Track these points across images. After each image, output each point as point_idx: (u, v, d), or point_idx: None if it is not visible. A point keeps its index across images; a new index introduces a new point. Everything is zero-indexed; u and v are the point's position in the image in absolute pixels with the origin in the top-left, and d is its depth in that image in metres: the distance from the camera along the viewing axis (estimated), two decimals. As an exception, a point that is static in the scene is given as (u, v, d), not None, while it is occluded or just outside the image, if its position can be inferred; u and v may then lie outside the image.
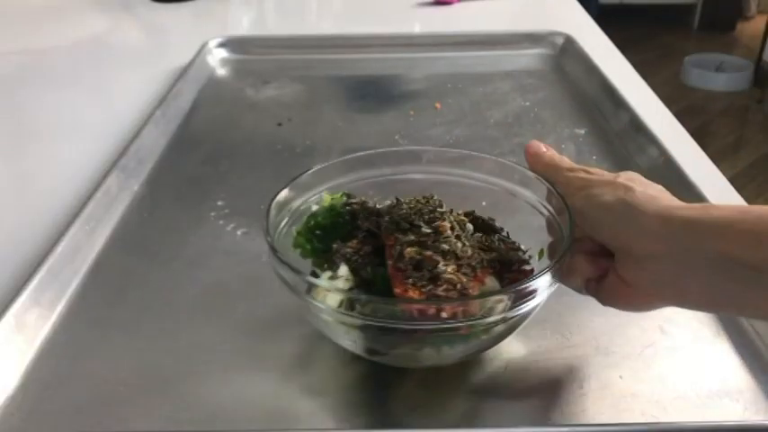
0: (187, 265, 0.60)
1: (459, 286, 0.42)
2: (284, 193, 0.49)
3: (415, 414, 0.45)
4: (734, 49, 3.43)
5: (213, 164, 0.77)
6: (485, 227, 0.50)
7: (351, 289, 0.45)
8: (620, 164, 0.74)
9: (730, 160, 2.48)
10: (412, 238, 0.45)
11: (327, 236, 0.49)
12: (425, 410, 0.45)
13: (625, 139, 0.79)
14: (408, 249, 0.44)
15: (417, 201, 0.48)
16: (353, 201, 0.50)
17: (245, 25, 1.35)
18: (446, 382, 0.46)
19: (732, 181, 0.70)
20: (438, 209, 0.47)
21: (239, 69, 1.05)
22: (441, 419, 0.44)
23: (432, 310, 0.40)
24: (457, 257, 0.44)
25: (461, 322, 0.40)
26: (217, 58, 1.07)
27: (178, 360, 0.49)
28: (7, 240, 0.64)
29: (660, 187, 0.42)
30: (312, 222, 0.49)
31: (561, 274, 0.43)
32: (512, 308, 0.41)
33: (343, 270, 0.46)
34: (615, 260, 0.41)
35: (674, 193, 0.41)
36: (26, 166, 0.80)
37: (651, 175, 0.71)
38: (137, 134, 0.76)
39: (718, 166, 0.72)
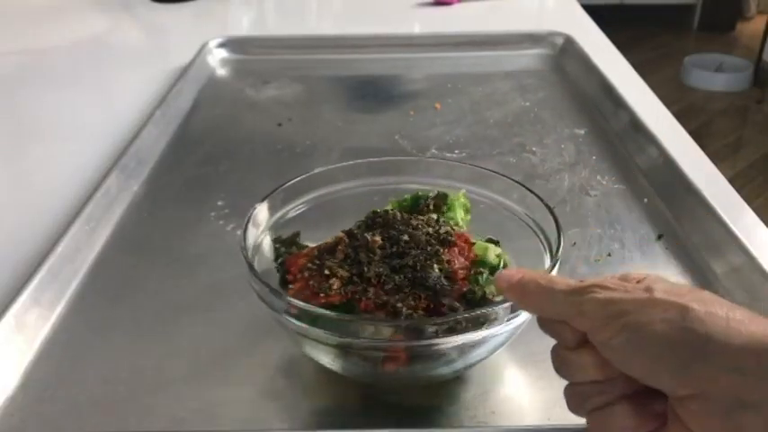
0: (187, 265, 0.60)
1: (320, 286, 0.43)
2: (263, 207, 0.50)
3: (413, 414, 0.45)
4: (734, 50, 3.43)
5: (213, 164, 0.77)
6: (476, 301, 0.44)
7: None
8: (620, 164, 0.74)
9: (730, 160, 2.48)
10: (355, 232, 0.46)
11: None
12: (425, 411, 0.45)
13: (625, 139, 0.79)
14: (338, 240, 0.46)
15: (410, 215, 0.48)
16: (432, 197, 0.51)
17: (245, 25, 1.35)
18: (446, 382, 0.46)
19: (732, 181, 0.70)
20: (407, 232, 0.45)
21: (239, 69, 1.05)
22: (439, 420, 0.44)
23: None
24: (362, 274, 0.43)
25: (290, 314, 0.41)
26: (217, 58, 1.07)
27: (178, 360, 0.49)
28: (7, 240, 0.64)
29: (714, 296, 0.32)
30: (406, 198, 0.52)
31: (596, 428, 0.34)
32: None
33: None
34: (677, 407, 0.30)
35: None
36: (26, 166, 0.80)
37: (651, 175, 0.72)
38: (137, 134, 0.76)
39: (717, 166, 0.72)
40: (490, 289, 0.44)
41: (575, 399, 0.34)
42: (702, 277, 0.56)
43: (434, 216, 0.49)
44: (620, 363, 0.31)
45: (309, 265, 0.45)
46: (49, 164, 0.79)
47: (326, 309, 0.41)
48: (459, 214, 0.50)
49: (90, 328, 0.53)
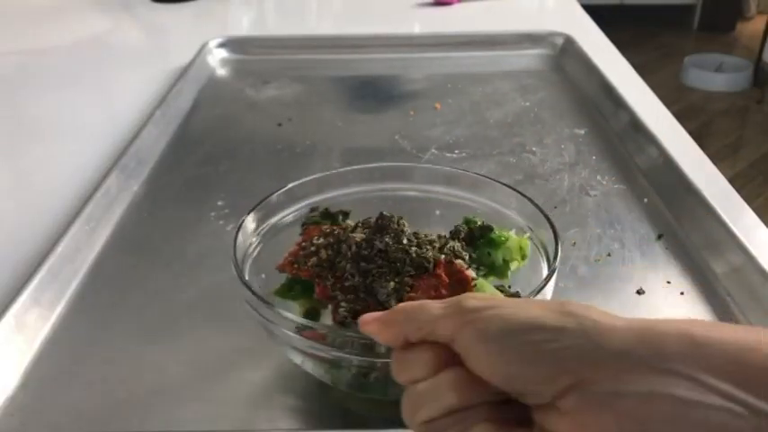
0: (187, 265, 0.60)
1: (301, 258, 0.45)
2: (252, 217, 0.49)
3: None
4: (734, 50, 3.43)
5: (213, 164, 0.77)
6: None
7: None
8: (620, 164, 0.74)
9: (730, 160, 2.48)
10: (359, 224, 0.47)
11: None
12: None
13: (625, 139, 0.79)
14: (345, 226, 0.48)
15: (401, 229, 0.46)
16: (468, 226, 0.48)
17: (245, 25, 1.35)
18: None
19: (732, 181, 0.70)
20: (385, 242, 0.43)
21: (239, 69, 1.05)
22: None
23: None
24: (332, 264, 0.44)
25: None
26: (217, 58, 1.07)
27: (178, 360, 0.49)
28: (7, 240, 0.64)
29: None
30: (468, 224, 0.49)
31: None
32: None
33: None
34: (547, 413, 0.27)
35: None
36: (26, 166, 0.80)
37: (651, 175, 0.72)
38: (137, 134, 0.76)
39: (717, 166, 0.72)
40: None
41: None
42: (702, 277, 0.56)
43: (445, 242, 0.46)
44: (487, 360, 0.27)
45: (314, 239, 0.46)
46: (49, 164, 0.79)
47: (296, 281, 0.44)
48: (502, 256, 0.47)
49: (90, 328, 0.53)
